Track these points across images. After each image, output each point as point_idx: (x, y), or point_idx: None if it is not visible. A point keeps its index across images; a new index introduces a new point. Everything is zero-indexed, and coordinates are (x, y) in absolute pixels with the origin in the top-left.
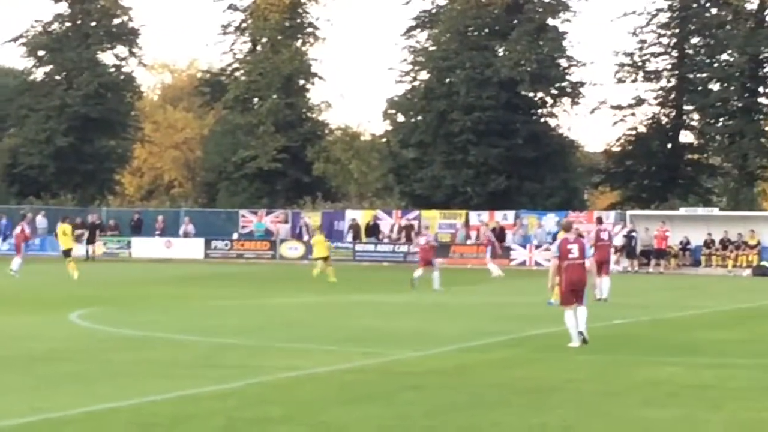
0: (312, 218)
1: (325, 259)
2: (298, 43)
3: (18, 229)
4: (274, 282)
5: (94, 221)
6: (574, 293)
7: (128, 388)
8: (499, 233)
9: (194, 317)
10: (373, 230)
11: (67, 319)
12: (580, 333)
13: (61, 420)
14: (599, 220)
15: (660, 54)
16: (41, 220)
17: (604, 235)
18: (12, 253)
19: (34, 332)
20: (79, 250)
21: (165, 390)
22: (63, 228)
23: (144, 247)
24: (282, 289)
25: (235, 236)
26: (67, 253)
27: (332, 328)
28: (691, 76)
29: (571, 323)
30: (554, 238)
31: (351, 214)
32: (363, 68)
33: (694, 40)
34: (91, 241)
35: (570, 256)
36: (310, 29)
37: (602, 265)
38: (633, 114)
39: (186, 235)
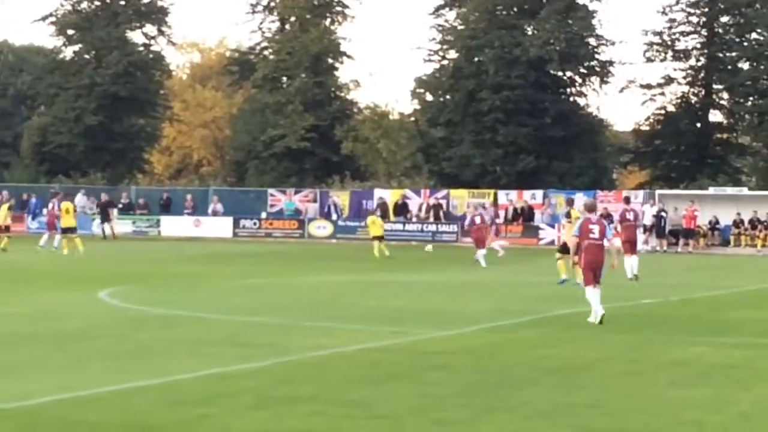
0: (341, 197)
1: (381, 238)
2: (327, 21)
3: (50, 206)
4: (302, 261)
5: (107, 200)
6: (593, 272)
7: (157, 366)
8: (528, 212)
9: (223, 296)
10: (401, 209)
11: (97, 297)
12: (593, 321)
13: (91, 398)
14: (626, 200)
15: (689, 33)
16: (81, 199)
17: (630, 216)
18: (42, 231)
19: (63, 310)
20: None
21: (194, 368)
22: (66, 206)
23: (173, 225)
24: (310, 268)
25: (263, 215)
26: (66, 231)
27: (360, 308)
28: (721, 55)
29: (594, 299)
30: (567, 215)
31: (379, 193)
32: (392, 47)
33: (724, 19)
34: (105, 219)
35: (591, 236)
36: (338, 8)
37: (628, 245)
38: (662, 93)
39: (215, 213)
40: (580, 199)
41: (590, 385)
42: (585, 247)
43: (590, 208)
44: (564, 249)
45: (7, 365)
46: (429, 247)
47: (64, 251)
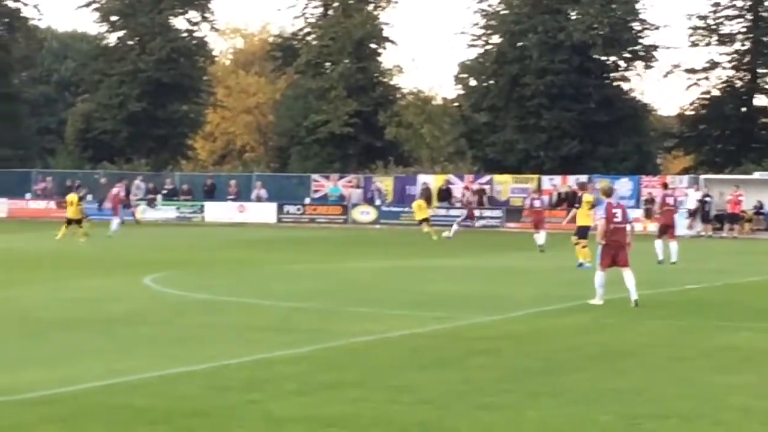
0: (384, 183)
1: (425, 220)
2: (370, 7)
3: (114, 191)
4: (346, 246)
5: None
6: (614, 256)
7: (202, 351)
8: (572, 198)
9: (267, 281)
10: (445, 195)
11: (141, 283)
12: (635, 299)
13: (137, 383)
14: (665, 186)
15: (734, 17)
16: (139, 184)
17: (670, 201)
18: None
19: (109, 296)
20: (151, 214)
21: (238, 354)
22: (71, 198)
23: (217, 211)
24: (354, 254)
25: (307, 201)
26: (71, 222)
27: (404, 293)
28: (766, 39)
29: (600, 283)
30: (578, 200)
31: (423, 179)
32: (435, 32)
33: None
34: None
35: (615, 219)
36: None
37: (668, 230)
38: (707, 78)
39: (259, 199)
40: (625, 184)
41: (635, 371)
42: (610, 231)
43: (607, 193)
44: (580, 234)
45: (55, 351)
46: (447, 233)
47: (57, 237)
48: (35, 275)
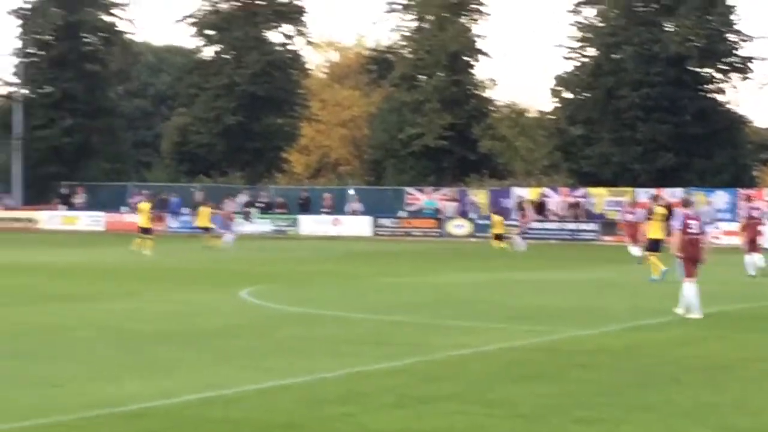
0: (478, 196)
1: (501, 236)
2: (463, 19)
3: (227, 207)
4: (440, 260)
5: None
6: (693, 266)
7: (298, 364)
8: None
9: (362, 294)
10: (540, 207)
11: (238, 296)
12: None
13: (233, 396)
14: (748, 198)
15: None
16: (242, 198)
17: (756, 213)
18: (181, 231)
19: (206, 309)
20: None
21: (334, 367)
22: (142, 206)
23: (311, 224)
24: (449, 267)
25: (401, 214)
26: (144, 231)
27: (500, 306)
28: None
29: (691, 294)
30: (650, 212)
31: (517, 192)
32: (529, 44)
33: None
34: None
35: (689, 230)
36: (475, 5)
37: (753, 242)
38: None
39: (353, 212)
40: (721, 197)
41: (733, 385)
42: (686, 242)
43: (686, 204)
44: (650, 247)
45: (152, 363)
46: (521, 245)
47: (145, 252)
48: (132, 288)
